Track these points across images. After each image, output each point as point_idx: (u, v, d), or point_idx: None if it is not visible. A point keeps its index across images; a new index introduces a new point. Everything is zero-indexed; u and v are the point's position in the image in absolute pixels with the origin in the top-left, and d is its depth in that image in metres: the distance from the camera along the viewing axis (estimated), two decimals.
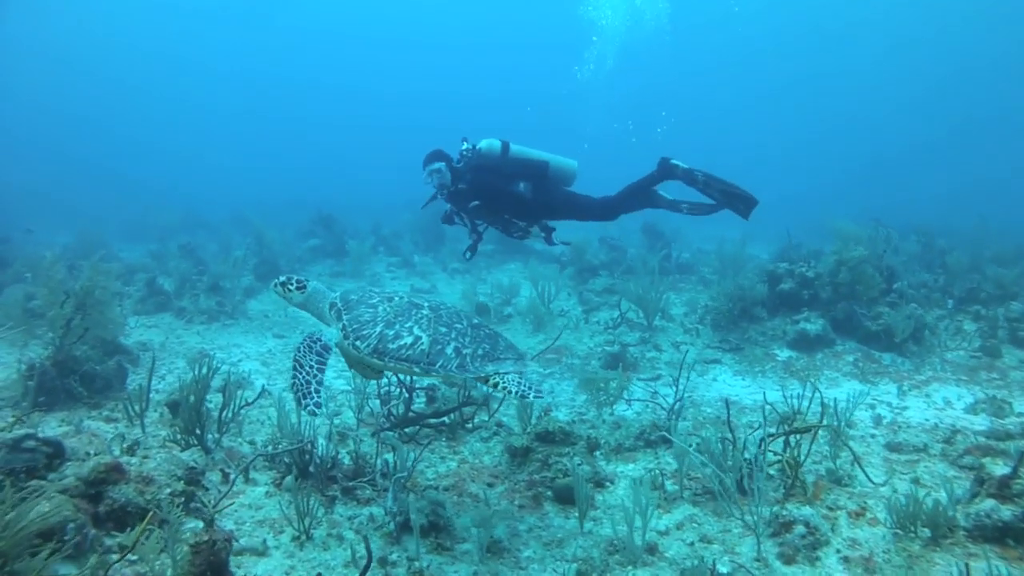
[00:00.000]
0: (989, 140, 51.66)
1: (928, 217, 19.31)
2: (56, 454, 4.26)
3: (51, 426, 5.86)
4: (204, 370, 5.52)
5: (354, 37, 63.35)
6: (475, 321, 4.37)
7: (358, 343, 4.02)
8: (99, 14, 54.10)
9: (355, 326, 4.08)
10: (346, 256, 15.43)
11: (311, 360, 4.02)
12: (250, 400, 5.99)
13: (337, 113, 66.33)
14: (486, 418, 6.59)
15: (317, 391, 3.91)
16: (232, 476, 4.97)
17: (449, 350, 4.01)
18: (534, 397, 4.05)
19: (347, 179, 42.45)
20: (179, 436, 5.29)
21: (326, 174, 47.29)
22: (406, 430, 6.17)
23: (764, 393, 6.86)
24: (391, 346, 3.97)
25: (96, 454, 4.64)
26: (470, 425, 6.41)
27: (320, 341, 4.15)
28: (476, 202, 7.09)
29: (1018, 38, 46.22)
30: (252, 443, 5.87)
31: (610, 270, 13.38)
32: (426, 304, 4.31)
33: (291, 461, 5.05)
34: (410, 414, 6.30)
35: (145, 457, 4.61)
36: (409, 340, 3.99)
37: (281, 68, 63.99)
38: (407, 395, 6.29)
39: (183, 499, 4.24)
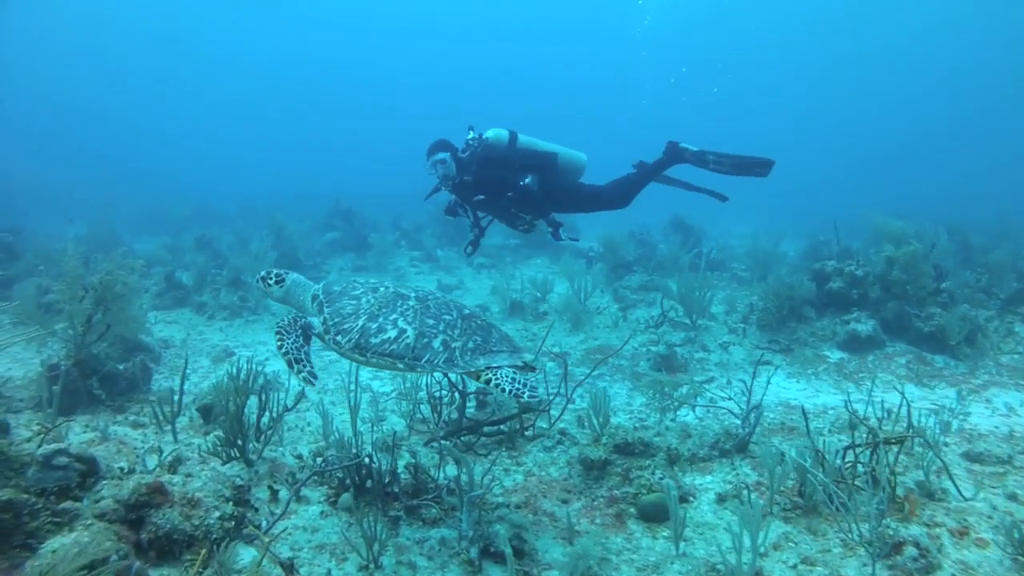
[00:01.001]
0: (993, 131, 51.30)
1: (943, 210, 18.94)
2: (89, 471, 3.81)
3: (75, 431, 5.40)
4: (244, 374, 5.04)
5: (362, 23, 62.68)
6: (466, 312, 4.10)
7: (339, 338, 3.79)
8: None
9: (336, 319, 3.86)
10: (368, 250, 15.00)
11: (296, 331, 3.84)
12: (290, 405, 5.49)
13: (348, 102, 65.91)
14: (544, 425, 6.09)
15: (308, 360, 3.74)
16: (286, 496, 4.50)
17: (436, 344, 3.74)
18: (528, 397, 3.66)
19: (359, 169, 42.03)
20: (219, 448, 4.81)
21: (338, 164, 46.99)
22: (462, 439, 5.70)
23: (847, 399, 6.40)
24: (373, 340, 3.72)
25: (130, 470, 4.19)
26: (529, 433, 5.91)
27: (303, 319, 3.96)
28: (481, 196, 6.92)
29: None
30: (299, 457, 5.35)
31: (641, 266, 12.92)
32: (413, 295, 4.05)
33: (345, 476, 4.58)
34: (464, 420, 5.82)
35: (188, 475, 4.12)
36: (393, 333, 3.75)
37: (292, 56, 63.63)
38: (460, 399, 5.81)
39: (233, 523, 3.77)
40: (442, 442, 5.33)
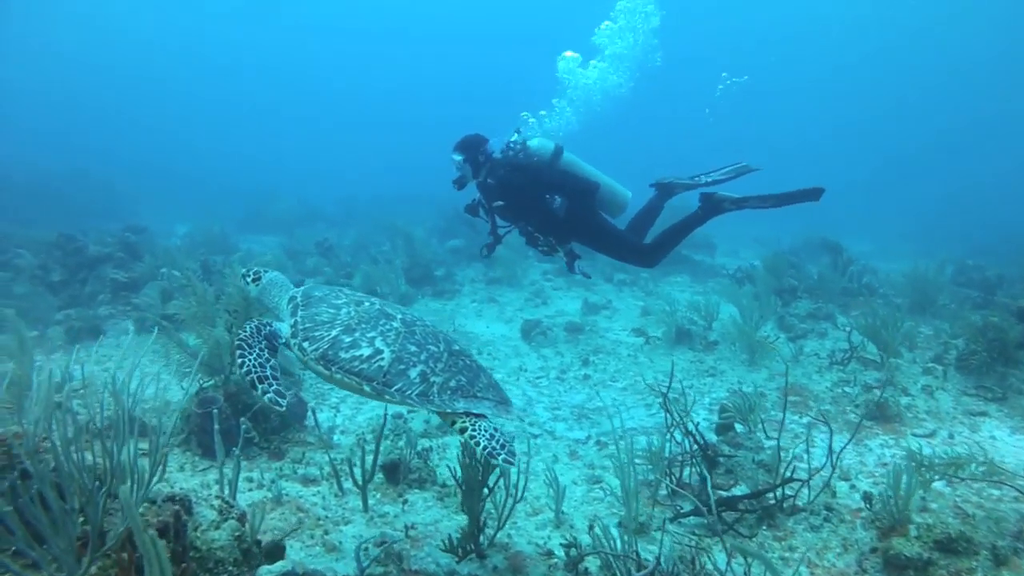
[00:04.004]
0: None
1: None
2: None
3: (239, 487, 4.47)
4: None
5: (410, 35, 61.71)
6: (455, 348, 3.73)
7: (306, 344, 3.39)
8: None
9: (307, 324, 3.48)
10: (496, 260, 13.96)
11: (259, 342, 3.36)
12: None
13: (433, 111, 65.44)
14: (802, 499, 4.96)
15: (275, 377, 3.24)
16: None
17: (413, 373, 3.38)
18: (503, 461, 3.17)
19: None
20: (456, 545, 3.87)
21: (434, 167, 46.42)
22: (719, 512, 4.62)
23: None
24: (343, 355, 3.34)
25: None
26: (788, 506, 4.81)
27: (270, 326, 3.50)
28: (500, 203, 6.28)
29: None
30: (547, 554, 4.25)
31: (796, 291, 11.71)
32: (400, 316, 3.71)
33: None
34: (707, 490, 4.72)
35: None
36: (367, 352, 3.38)
37: (371, 72, 63.95)
38: (706, 464, 4.72)
39: None
40: (718, 526, 4.26)
